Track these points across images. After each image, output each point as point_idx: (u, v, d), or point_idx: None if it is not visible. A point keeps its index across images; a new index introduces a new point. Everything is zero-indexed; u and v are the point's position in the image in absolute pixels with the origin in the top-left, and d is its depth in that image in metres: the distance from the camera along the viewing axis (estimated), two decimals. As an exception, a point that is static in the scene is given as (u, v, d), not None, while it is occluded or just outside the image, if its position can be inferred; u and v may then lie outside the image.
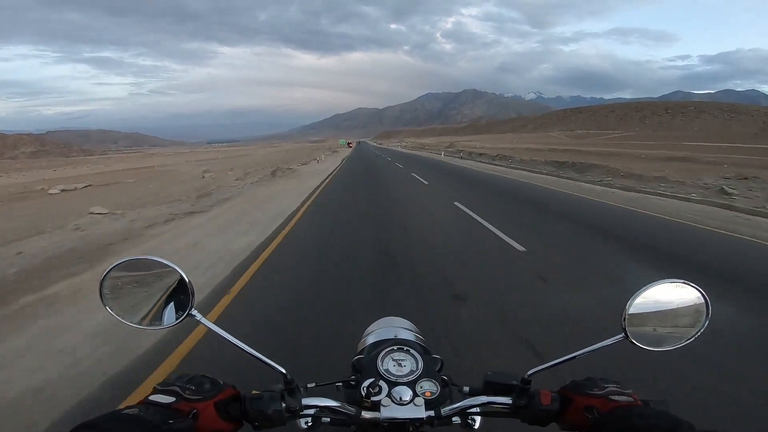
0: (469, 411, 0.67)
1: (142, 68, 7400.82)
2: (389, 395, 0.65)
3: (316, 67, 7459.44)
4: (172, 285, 0.64)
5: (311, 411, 0.64)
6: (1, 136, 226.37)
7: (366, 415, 0.64)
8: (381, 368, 0.69)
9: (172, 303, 0.64)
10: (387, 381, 0.67)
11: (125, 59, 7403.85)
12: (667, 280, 0.63)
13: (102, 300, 0.62)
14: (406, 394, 0.65)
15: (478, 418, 0.69)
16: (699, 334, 0.64)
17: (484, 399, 0.67)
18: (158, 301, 0.64)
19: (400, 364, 0.70)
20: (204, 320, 0.62)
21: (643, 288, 0.63)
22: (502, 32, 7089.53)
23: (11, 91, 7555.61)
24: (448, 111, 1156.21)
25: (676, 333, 0.65)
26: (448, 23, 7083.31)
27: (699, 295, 0.64)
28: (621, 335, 0.63)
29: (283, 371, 0.63)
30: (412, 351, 0.73)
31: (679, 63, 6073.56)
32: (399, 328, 0.91)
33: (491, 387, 0.67)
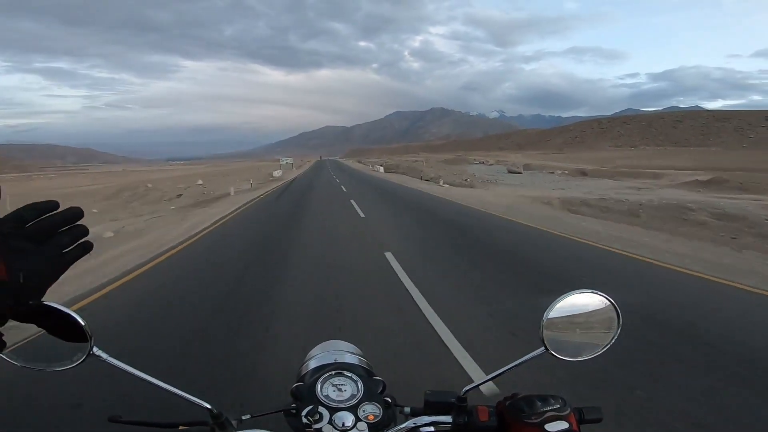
0: None
1: (97, 80, 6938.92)
2: (331, 422, 0.63)
3: (283, 84, 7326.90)
4: (67, 326, 0.58)
5: None
6: None
7: None
8: (320, 394, 0.68)
9: (70, 344, 0.59)
10: (327, 407, 0.65)
11: (79, 70, 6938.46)
12: (576, 291, 0.65)
13: None
14: (348, 419, 0.63)
15: None
16: (613, 341, 0.65)
17: (426, 419, 0.67)
18: (53, 342, 0.59)
19: (340, 389, 0.69)
20: (110, 359, 0.59)
21: (556, 300, 0.64)
22: (468, 51, 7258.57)
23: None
24: (415, 129, 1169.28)
25: (592, 342, 0.66)
26: (417, 42, 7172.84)
27: (609, 303, 0.65)
28: (542, 348, 0.64)
29: (208, 406, 0.60)
30: (352, 375, 0.71)
31: (629, 81, 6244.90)
32: (341, 351, 0.89)
33: (431, 406, 0.68)
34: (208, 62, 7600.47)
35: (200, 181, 30.63)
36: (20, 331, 0.59)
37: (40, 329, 0.56)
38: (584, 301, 0.65)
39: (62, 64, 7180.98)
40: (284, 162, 57.50)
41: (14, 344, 0.57)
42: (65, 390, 2.44)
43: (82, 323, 0.59)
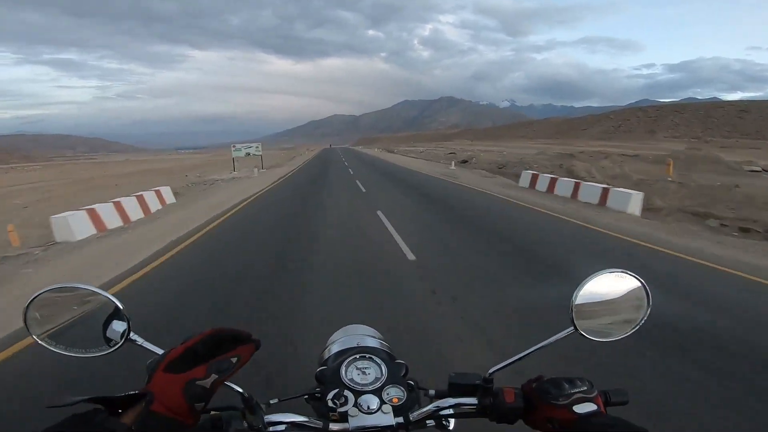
0: (438, 414, 0.67)
1: (106, 71, 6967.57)
2: (356, 405, 0.64)
3: (291, 73, 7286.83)
4: (104, 311, 0.61)
5: (276, 428, 0.63)
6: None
7: (334, 427, 0.63)
8: (345, 378, 0.68)
9: (108, 328, 0.60)
10: (352, 390, 0.66)
11: (88, 61, 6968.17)
12: (606, 271, 0.65)
13: (27, 328, 0.59)
14: (373, 402, 0.64)
15: (452, 420, 0.69)
16: (642, 321, 0.65)
17: (451, 401, 0.67)
18: (91, 327, 0.60)
19: (364, 372, 0.70)
20: (145, 343, 0.61)
21: (585, 280, 0.64)
22: (478, 40, 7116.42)
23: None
24: (423, 119, 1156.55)
25: (621, 322, 0.66)
26: (426, 30, 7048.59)
27: (638, 283, 0.65)
28: (571, 328, 0.64)
29: (240, 390, 0.61)
30: (375, 358, 0.72)
31: (644, 71, 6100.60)
32: (362, 335, 0.89)
33: (456, 388, 0.68)
34: (215, 52, 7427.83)
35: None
36: (54, 316, 0.59)
37: (74, 314, 0.57)
38: (612, 281, 0.65)
39: (71, 56, 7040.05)
40: (245, 152, 26.98)
41: (48, 329, 0.58)
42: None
43: (120, 306, 0.60)
